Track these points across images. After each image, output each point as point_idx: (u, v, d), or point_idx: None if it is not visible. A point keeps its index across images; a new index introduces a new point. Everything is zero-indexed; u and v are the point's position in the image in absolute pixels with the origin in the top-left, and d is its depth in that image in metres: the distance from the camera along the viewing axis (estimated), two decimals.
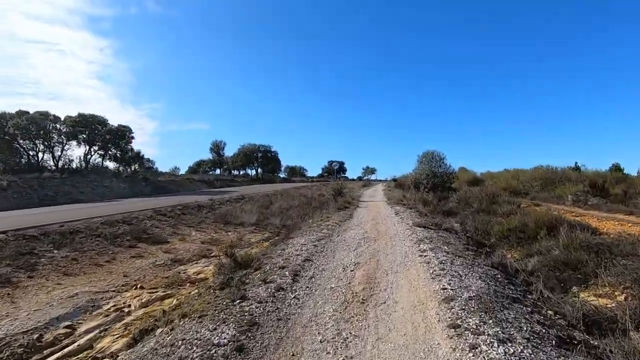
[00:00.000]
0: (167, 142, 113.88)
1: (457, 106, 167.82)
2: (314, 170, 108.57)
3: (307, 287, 4.80)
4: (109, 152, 29.62)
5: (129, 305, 5.17)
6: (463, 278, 4.99)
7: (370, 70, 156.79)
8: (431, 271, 5.22)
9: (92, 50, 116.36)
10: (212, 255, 8.18)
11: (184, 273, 6.71)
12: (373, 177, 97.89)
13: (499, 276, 5.51)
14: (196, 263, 7.49)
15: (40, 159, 26.77)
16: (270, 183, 50.58)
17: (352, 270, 5.49)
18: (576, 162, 26.46)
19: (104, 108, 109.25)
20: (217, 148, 56.40)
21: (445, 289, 4.44)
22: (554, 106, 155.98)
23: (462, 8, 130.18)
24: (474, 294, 4.24)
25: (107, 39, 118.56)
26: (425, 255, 6.12)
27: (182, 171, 56.36)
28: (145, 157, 47.61)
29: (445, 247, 6.94)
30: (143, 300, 5.29)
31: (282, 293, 4.52)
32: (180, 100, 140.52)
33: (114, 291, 5.69)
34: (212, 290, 4.86)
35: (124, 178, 26.73)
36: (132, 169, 41.35)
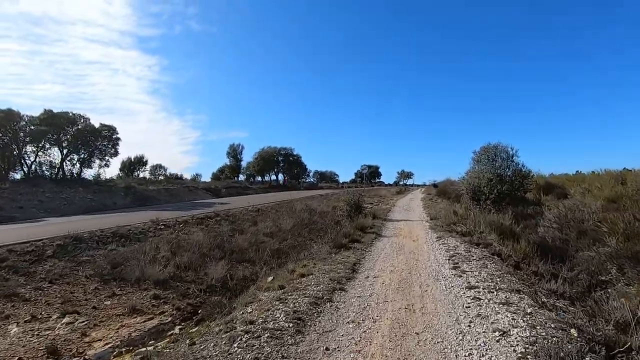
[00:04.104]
0: (208, 150, 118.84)
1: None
2: (346, 175, 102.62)
3: None
4: (93, 157, 25.15)
5: None
6: None
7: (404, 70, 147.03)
8: None
9: (141, 68, 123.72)
10: None
11: None
12: (410, 181, 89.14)
13: None
14: None
15: (7, 167, 22.79)
16: (291, 190, 44.75)
17: None
18: None
19: (151, 120, 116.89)
20: (234, 152, 51.53)
21: None
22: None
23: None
24: None
25: (155, 57, 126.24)
26: None
27: (207, 178, 52.23)
28: (157, 163, 44.02)
29: None
30: None
31: None
32: (221, 110, 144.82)
33: None
34: None
35: (98, 187, 21.99)
36: (135, 175, 37.43)
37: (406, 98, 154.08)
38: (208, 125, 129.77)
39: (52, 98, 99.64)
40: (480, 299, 4.18)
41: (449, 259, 6.33)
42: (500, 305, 3.94)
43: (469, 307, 3.98)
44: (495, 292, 4.38)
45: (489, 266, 5.83)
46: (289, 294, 4.64)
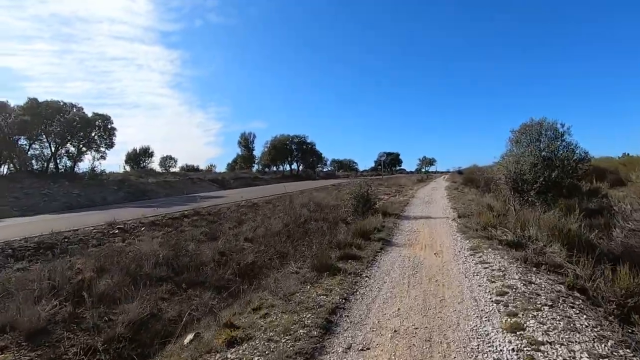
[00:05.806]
0: (231, 141, 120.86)
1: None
2: (366, 164, 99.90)
3: None
4: (88, 149, 23.58)
5: None
6: None
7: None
8: None
9: (164, 62, 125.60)
10: None
11: None
12: (432, 168, 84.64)
13: None
14: None
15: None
16: (305, 180, 42.42)
17: None
18: None
19: (175, 113, 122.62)
20: (245, 142, 49.53)
21: None
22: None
23: None
24: None
25: (177, 51, 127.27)
26: None
27: (223, 168, 50.84)
28: (167, 154, 42.74)
29: None
30: None
31: None
32: (243, 102, 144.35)
33: None
34: None
35: (88, 181, 20.41)
36: (142, 167, 36.15)
37: (428, 86, 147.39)
38: (231, 116, 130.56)
39: (83, 95, 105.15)
40: None
41: (497, 302, 3.69)
42: None
43: None
44: None
45: (577, 323, 3.15)
46: None
